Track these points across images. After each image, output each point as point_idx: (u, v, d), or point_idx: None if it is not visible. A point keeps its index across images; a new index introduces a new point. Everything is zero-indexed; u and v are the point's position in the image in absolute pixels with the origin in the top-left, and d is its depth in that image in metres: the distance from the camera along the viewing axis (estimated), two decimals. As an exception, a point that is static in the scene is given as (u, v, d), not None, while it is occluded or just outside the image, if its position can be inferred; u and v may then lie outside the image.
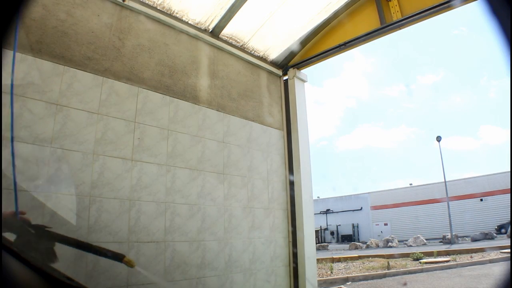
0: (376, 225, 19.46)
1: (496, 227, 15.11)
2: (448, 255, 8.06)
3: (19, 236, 0.82)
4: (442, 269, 6.18)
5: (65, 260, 1.36)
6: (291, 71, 2.79)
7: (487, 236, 13.01)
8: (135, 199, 1.76)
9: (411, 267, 6.50)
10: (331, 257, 8.53)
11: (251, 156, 2.46)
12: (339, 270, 6.45)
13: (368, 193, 21.02)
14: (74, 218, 1.55)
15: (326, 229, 21.49)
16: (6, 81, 1.17)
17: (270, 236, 2.44)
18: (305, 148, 2.73)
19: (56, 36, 1.65)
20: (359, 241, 16.72)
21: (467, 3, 2.04)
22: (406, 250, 9.84)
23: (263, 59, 2.69)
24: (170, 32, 2.14)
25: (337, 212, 22.13)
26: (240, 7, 2.25)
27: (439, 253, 8.31)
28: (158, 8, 2.08)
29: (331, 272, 6.11)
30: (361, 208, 21.29)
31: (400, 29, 2.31)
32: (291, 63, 2.81)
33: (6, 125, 1.13)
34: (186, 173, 2.02)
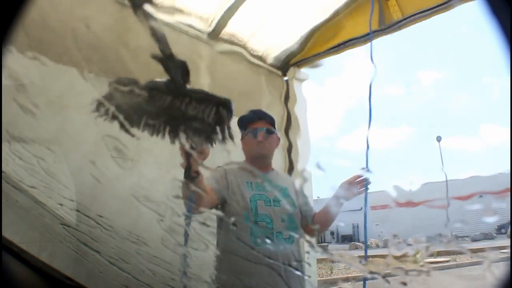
0: (376, 225, 19.44)
1: (496, 227, 15.08)
2: (448, 255, 8.05)
3: None
4: (442, 269, 6.18)
5: (65, 260, 1.36)
6: (291, 71, 2.79)
7: (487, 236, 13.00)
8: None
9: (411, 267, 6.47)
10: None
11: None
12: (339, 270, 6.45)
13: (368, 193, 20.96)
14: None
15: (326, 228, 21.45)
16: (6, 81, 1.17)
17: (270, 236, 2.44)
18: (305, 147, 2.73)
19: (56, 36, 1.65)
20: (359, 241, 16.70)
21: (467, 2, 2.04)
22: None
23: (262, 59, 2.69)
24: (170, 32, 2.13)
25: (337, 212, 22.08)
26: (239, 7, 2.25)
27: (439, 253, 8.29)
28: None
29: (331, 272, 6.11)
30: (361, 208, 21.31)
31: (401, 29, 2.31)
32: (291, 62, 2.80)
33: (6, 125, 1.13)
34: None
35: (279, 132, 2.95)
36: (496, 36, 0.28)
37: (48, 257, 1.38)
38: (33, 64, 1.62)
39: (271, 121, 1.57)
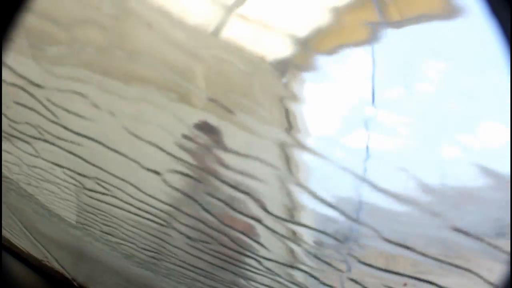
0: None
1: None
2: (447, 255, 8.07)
3: None
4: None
5: (65, 260, 1.35)
6: (290, 72, 2.79)
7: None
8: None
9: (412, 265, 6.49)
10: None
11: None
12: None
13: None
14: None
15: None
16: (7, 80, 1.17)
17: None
18: (305, 147, 2.74)
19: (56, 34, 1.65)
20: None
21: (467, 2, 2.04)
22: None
23: (262, 59, 2.69)
24: (170, 33, 2.14)
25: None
26: (238, 8, 2.26)
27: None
28: (158, 9, 2.08)
29: (331, 272, 6.11)
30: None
31: (400, 29, 2.32)
32: (290, 63, 2.80)
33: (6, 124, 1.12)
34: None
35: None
36: (496, 36, 0.28)
37: (48, 257, 1.38)
38: (33, 64, 1.62)
39: None
